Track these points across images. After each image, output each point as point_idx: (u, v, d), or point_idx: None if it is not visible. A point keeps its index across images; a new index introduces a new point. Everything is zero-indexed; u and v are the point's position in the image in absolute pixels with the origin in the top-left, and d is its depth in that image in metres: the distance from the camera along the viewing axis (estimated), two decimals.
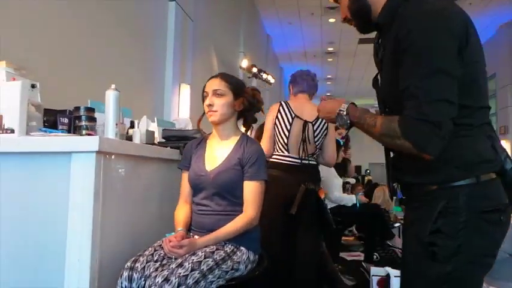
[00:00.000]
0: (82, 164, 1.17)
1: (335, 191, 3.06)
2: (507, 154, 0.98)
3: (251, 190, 1.35)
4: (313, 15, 8.79)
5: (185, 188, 1.45)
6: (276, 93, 11.26)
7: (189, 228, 1.39)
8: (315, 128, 2.09)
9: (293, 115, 2.08)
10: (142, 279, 1.11)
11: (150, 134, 1.96)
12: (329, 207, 2.94)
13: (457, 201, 0.90)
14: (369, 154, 18.03)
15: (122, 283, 1.12)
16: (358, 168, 18.04)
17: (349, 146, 3.75)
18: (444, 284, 0.92)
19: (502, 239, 0.96)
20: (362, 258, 3.47)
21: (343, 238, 5.17)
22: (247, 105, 1.44)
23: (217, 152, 1.43)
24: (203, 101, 1.44)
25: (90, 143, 1.16)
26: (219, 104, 1.39)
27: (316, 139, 2.11)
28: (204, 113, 1.45)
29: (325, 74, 13.32)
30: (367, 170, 17.69)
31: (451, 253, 0.90)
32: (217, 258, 1.19)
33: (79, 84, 2.56)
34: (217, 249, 1.24)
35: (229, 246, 1.28)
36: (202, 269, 1.13)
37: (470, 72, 0.91)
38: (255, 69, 6.31)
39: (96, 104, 1.94)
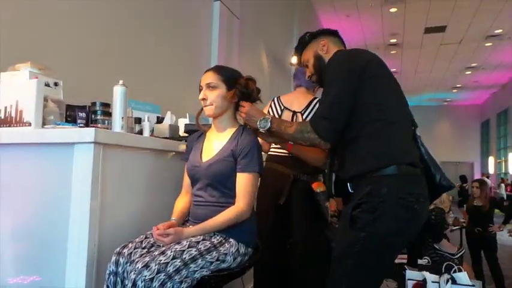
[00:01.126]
0: (82, 154, 1.26)
1: None
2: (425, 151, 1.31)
3: (242, 182, 1.34)
4: (372, 6, 8.39)
5: (186, 179, 1.49)
6: None
7: (188, 219, 1.43)
8: (304, 116, 2.00)
9: (282, 107, 2.04)
10: (128, 264, 1.16)
11: (174, 129, 2.04)
12: None
13: (379, 186, 1.18)
14: (441, 153, 16.80)
15: (110, 267, 1.18)
16: None
17: None
18: (356, 247, 1.17)
19: (413, 223, 1.21)
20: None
21: None
22: (239, 96, 1.42)
23: (214, 144, 1.44)
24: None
25: (86, 134, 1.24)
26: (212, 97, 1.40)
27: None
28: (201, 109, 1.47)
29: (389, 68, 12.62)
30: None
31: (365, 224, 1.16)
32: (202, 248, 1.20)
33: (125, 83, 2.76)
34: (203, 239, 1.25)
35: (218, 237, 1.29)
36: (184, 257, 1.15)
37: (376, 88, 1.28)
38: None
39: (130, 101, 2.10)
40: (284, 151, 1.99)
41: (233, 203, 1.34)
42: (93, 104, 1.61)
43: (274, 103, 2.10)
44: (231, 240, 1.30)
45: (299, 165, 1.88)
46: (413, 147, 1.28)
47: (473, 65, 11.91)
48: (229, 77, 1.42)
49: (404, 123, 1.30)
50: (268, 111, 2.09)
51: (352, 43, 10.32)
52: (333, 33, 1.56)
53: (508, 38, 9.61)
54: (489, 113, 16.00)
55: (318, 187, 1.86)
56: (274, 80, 6.27)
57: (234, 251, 1.28)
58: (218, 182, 1.35)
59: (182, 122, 2.30)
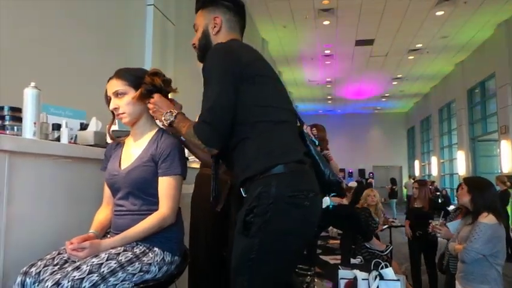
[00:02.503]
0: None
1: None
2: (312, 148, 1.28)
3: (164, 186, 1.28)
4: (306, 19, 8.76)
5: (106, 189, 1.40)
6: None
7: (109, 231, 1.34)
8: None
9: None
10: (36, 284, 1.05)
11: (99, 135, 1.91)
12: None
13: (268, 187, 1.12)
14: (373, 158, 17.91)
15: None
16: (362, 172, 17.91)
17: (325, 147, 3.63)
18: (251, 254, 1.10)
19: (307, 220, 1.16)
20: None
21: (330, 241, 5.05)
22: (147, 94, 1.34)
23: (133, 150, 1.38)
24: (108, 106, 1.38)
25: None
26: (124, 105, 1.33)
27: None
28: (114, 116, 1.39)
29: (324, 78, 13.23)
30: (370, 173, 17.54)
31: (258, 228, 1.10)
32: (122, 260, 1.13)
33: (48, 89, 2.56)
34: (124, 250, 1.17)
35: (140, 247, 1.22)
36: (103, 271, 1.07)
37: (261, 88, 1.22)
38: None
39: (48, 106, 1.93)
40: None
41: (157, 210, 1.28)
42: (1, 108, 1.46)
43: None
44: (155, 249, 1.23)
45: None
46: (300, 145, 1.24)
47: (399, 76, 12.92)
48: (135, 79, 1.34)
49: (291, 122, 1.26)
50: None
51: (290, 52, 10.69)
52: (237, 11, 1.38)
53: (426, 52, 10.59)
54: (414, 120, 17.44)
55: None
56: None
57: (159, 260, 1.22)
58: (139, 189, 1.28)
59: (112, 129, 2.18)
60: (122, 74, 1.35)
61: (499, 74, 8.85)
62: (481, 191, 2.33)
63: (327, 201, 3.16)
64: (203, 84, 1.22)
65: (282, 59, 11.23)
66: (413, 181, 4.21)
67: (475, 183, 2.46)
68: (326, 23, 8.89)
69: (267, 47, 9.85)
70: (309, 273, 3.24)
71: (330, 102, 16.64)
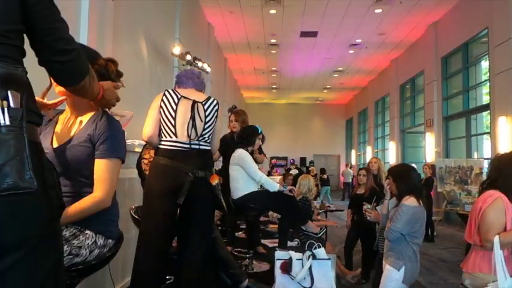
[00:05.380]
0: None
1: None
2: None
3: (101, 169, 1.24)
4: (253, 6, 8.75)
5: None
6: (220, 84, 11.10)
7: None
8: (205, 107, 2.01)
9: (179, 96, 1.99)
10: None
11: None
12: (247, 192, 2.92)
13: None
14: (314, 147, 18.67)
15: None
16: (303, 160, 18.59)
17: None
18: None
19: None
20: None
21: (270, 226, 5.23)
22: (97, 77, 1.30)
23: (68, 129, 1.31)
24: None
25: None
26: None
27: (207, 119, 2.01)
28: (50, 84, 1.31)
29: (269, 67, 13.37)
30: (311, 161, 18.26)
31: None
32: None
33: None
34: None
35: (71, 229, 1.17)
36: None
37: None
38: (189, 57, 6.13)
39: None
40: (177, 144, 1.92)
41: (91, 193, 1.23)
42: None
43: (170, 93, 2.01)
44: (87, 232, 1.19)
45: (196, 161, 1.86)
46: None
47: (340, 69, 13.49)
48: (87, 55, 1.28)
49: None
50: (162, 100, 2.00)
51: (236, 39, 10.63)
52: None
53: (365, 47, 11.16)
54: (352, 111, 18.38)
55: (214, 180, 1.86)
56: (155, 70, 6.03)
57: (90, 244, 1.18)
58: (72, 170, 1.22)
59: None
60: None
61: (427, 72, 9.62)
62: (402, 178, 2.54)
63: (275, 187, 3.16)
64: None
65: (229, 46, 11.15)
66: (359, 169, 4.19)
67: (397, 172, 2.67)
68: (272, 12, 8.95)
69: (212, 32, 9.70)
70: (247, 255, 3.33)
71: (274, 91, 16.91)
